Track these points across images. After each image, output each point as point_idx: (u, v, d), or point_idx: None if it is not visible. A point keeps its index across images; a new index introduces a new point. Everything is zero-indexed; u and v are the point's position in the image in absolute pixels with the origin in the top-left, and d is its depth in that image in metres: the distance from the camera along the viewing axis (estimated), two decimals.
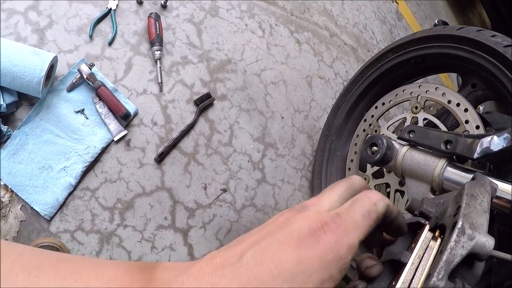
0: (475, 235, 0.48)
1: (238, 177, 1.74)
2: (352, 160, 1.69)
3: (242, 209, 1.72)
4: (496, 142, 1.07)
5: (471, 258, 0.48)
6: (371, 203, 0.46)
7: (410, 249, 0.50)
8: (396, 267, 0.49)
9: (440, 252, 0.49)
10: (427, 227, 0.53)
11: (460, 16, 4.61)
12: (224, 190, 1.69)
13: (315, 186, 1.87)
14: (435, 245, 0.50)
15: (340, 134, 1.85)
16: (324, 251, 0.39)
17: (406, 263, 0.48)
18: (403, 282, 0.47)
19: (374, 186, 1.54)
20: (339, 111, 1.86)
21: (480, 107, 2.80)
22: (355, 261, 0.49)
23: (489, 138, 1.07)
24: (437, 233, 0.52)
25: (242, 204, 1.73)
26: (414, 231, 0.54)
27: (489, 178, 0.99)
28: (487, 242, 0.48)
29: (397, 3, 3.34)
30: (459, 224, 0.48)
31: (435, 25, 3.92)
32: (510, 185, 0.97)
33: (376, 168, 1.57)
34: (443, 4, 4.31)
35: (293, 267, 0.38)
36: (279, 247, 0.39)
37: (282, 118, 1.99)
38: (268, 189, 1.83)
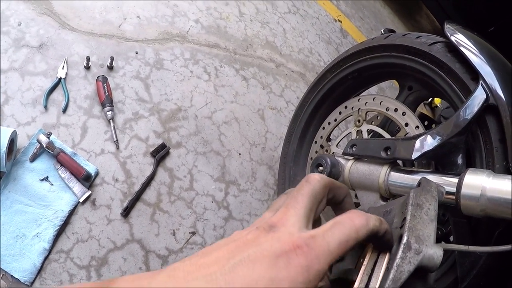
0: (422, 248, 0.50)
1: (204, 218, 1.93)
2: None
3: None
4: (429, 141, 1.15)
5: (421, 270, 0.51)
6: (353, 229, 0.47)
7: (359, 265, 0.52)
8: (346, 284, 0.53)
9: (387, 268, 0.50)
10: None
11: (408, 21, 4.79)
12: (193, 233, 1.87)
13: None
14: (384, 260, 0.51)
15: (297, 159, 1.99)
16: (295, 274, 0.41)
17: (354, 281, 0.50)
18: None
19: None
20: (292, 138, 2.01)
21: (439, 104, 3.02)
22: None
23: (422, 137, 1.16)
24: None
25: (213, 243, 1.90)
26: (363, 245, 0.54)
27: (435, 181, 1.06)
28: (435, 253, 0.51)
29: (340, 21, 3.59)
30: (404, 240, 0.50)
31: (382, 34, 4.06)
32: (454, 178, 1.01)
33: None
34: (387, 13, 4.52)
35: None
36: (250, 266, 0.40)
37: (239, 154, 2.20)
38: (236, 224, 2.01)
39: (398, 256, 0.49)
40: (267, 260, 0.41)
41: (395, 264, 0.49)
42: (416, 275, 0.50)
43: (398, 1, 4.81)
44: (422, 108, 2.99)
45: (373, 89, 3.09)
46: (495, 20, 3.80)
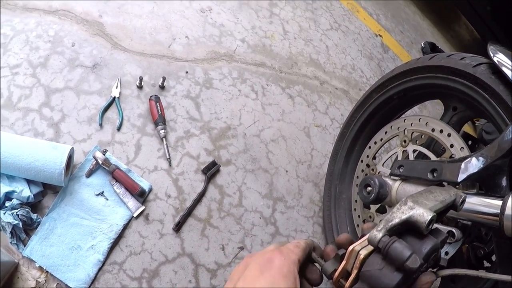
0: (415, 206, 0.65)
1: (252, 234, 1.96)
2: (356, 201, 1.86)
3: None
4: (474, 164, 1.16)
5: (414, 228, 0.64)
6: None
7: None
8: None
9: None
10: None
11: (447, 32, 4.76)
12: (241, 248, 1.90)
13: (327, 230, 2.04)
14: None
15: (342, 177, 2.03)
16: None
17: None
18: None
19: (380, 221, 1.66)
20: (337, 156, 2.04)
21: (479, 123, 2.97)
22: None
23: (467, 160, 1.18)
24: None
25: None
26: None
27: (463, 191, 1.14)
28: (425, 213, 0.63)
29: (381, 36, 3.60)
30: (404, 199, 0.67)
31: (422, 48, 4.07)
32: (498, 200, 1.06)
33: (378, 204, 1.70)
34: (426, 25, 4.51)
35: None
36: None
37: (286, 171, 2.23)
38: (282, 240, 2.02)
39: (395, 207, 0.66)
40: None
41: (391, 211, 0.66)
42: (413, 233, 0.65)
43: (437, 13, 4.78)
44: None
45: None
46: None
